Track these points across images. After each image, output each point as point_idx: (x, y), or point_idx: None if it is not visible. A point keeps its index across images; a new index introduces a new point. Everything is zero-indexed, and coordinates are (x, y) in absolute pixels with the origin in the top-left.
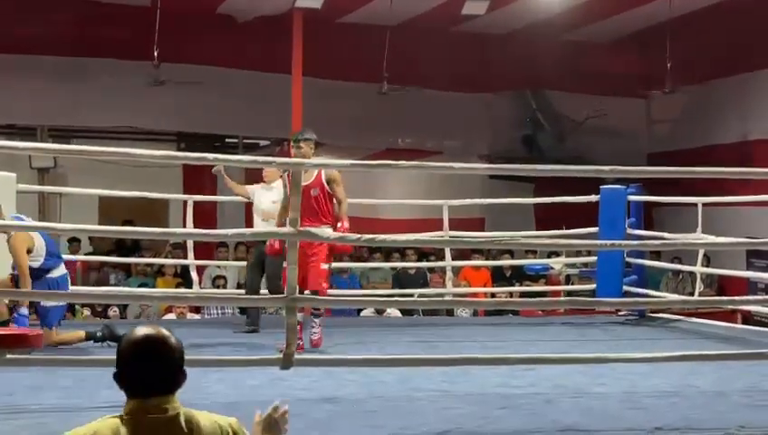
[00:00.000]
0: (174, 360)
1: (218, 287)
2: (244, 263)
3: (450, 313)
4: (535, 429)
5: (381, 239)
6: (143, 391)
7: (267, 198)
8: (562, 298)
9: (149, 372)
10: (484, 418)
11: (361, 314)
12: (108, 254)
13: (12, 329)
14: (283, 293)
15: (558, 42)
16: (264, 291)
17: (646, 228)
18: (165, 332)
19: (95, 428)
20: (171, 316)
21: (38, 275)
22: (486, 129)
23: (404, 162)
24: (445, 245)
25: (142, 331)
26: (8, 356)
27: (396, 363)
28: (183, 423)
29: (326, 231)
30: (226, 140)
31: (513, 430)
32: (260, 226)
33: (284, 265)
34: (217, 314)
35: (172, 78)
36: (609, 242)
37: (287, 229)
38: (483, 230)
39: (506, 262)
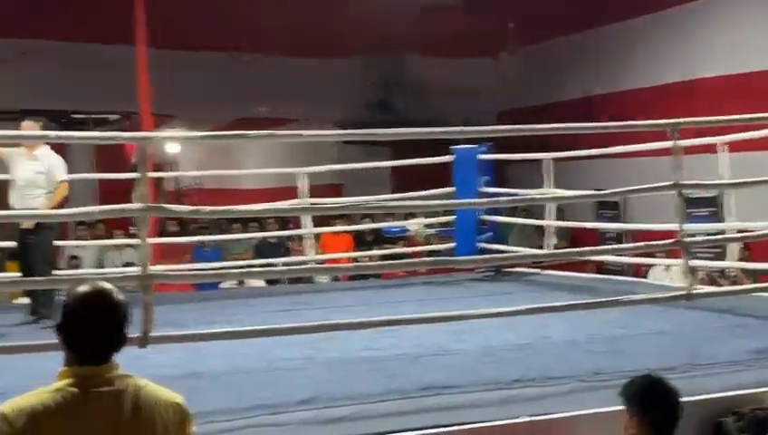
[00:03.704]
0: (121, 316)
1: (73, 268)
2: (103, 241)
3: (310, 280)
4: (398, 388)
5: (236, 211)
6: (87, 351)
7: (30, 167)
8: (418, 259)
9: (97, 326)
10: (348, 382)
11: (221, 286)
12: None
13: None
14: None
15: (408, 4)
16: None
17: (500, 186)
18: (112, 287)
19: (42, 398)
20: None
21: None
22: (340, 94)
23: (254, 132)
24: (299, 213)
25: (90, 285)
26: None
27: (257, 334)
28: (130, 398)
29: (179, 206)
30: (72, 115)
31: (378, 391)
32: (16, 196)
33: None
34: None
35: (11, 54)
36: (460, 202)
37: (137, 205)
38: (341, 196)
39: (365, 226)
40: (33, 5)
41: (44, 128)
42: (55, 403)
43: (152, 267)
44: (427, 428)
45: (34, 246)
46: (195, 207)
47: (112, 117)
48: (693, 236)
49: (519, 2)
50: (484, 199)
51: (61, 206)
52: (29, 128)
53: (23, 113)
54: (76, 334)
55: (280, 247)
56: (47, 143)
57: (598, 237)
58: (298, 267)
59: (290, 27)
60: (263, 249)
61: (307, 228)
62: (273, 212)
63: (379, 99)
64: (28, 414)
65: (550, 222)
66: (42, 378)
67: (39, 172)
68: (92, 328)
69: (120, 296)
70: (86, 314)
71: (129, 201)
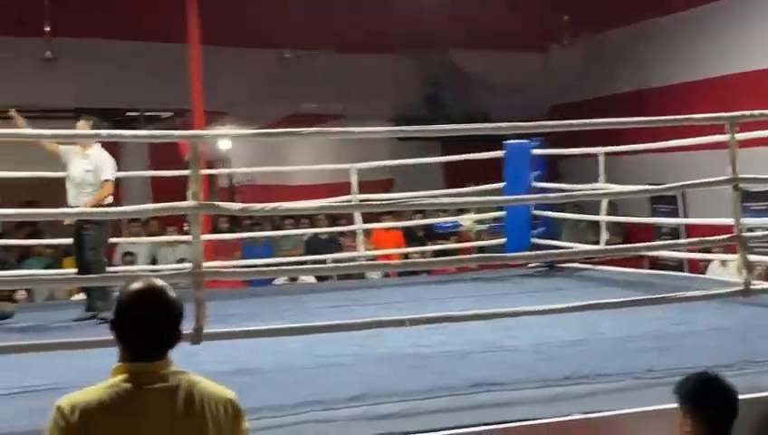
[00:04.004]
0: (175, 313)
1: (128, 264)
2: (157, 238)
3: (362, 276)
4: (447, 385)
5: (285, 208)
6: (141, 348)
7: (81, 166)
8: (469, 256)
9: (150, 323)
10: (396, 378)
11: (275, 282)
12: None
13: None
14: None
15: None
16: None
17: (551, 181)
18: (165, 284)
19: (98, 393)
20: (82, 296)
21: None
22: (389, 90)
23: (304, 129)
24: (350, 210)
25: (144, 281)
26: None
27: (307, 331)
28: (183, 394)
29: (230, 204)
30: (127, 113)
31: (427, 388)
32: (71, 194)
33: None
34: None
35: (66, 52)
36: (512, 198)
37: (190, 203)
38: (392, 192)
39: (415, 222)
40: (86, 4)
41: (95, 127)
42: (109, 399)
43: (205, 264)
44: (476, 425)
45: (86, 243)
46: (245, 205)
47: (165, 114)
48: (751, 230)
49: None
50: (536, 196)
51: (104, 204)
52: (82, 127)
53: (77, 112)
54: (130, 331)
55: (331, 243)
56: (100, 142)
57: (652, 232)
58: (348, 264)
59: (340, 23)
60: (314, 245)
61: (358, 224)
62: (322, 209)
63: (428, 94)
64: (82, 409)
65: (603, 217)
66: (97, 374)
67: (88, 171)
68: (146, 325)
69: (173, 293)
70: (139, 311)
71: (182, 198)
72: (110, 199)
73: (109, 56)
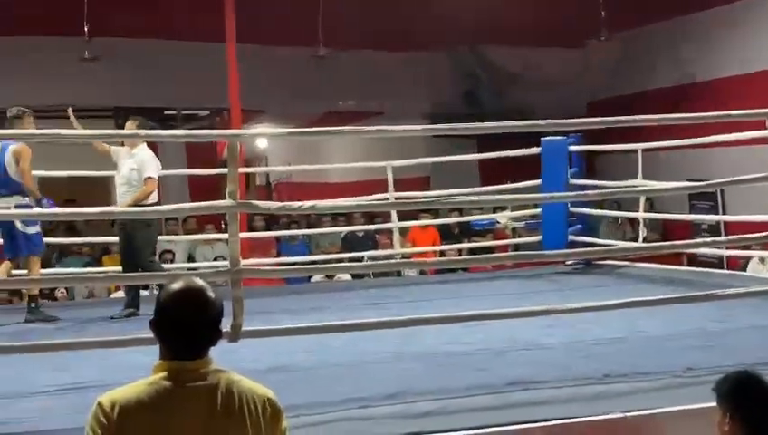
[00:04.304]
0: (215, 313)
1: (166, 262)
2: (194, 236)
3: (398, 273)
4: (485, 383)
5: (322, 206)
6: (181, 347)
7: (127, 165)
8: (506, 254)
9: (190, 323)
10: (434, 376)
11: (312, 280)
12: None
13: None
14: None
15: None
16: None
17: (588, 177)
18: (204, 284)
19: (137, 390)
20: (120, 294)
21: None
22: (426, 87)
23: (341, 128)
24: (387, 207)
25: (184, 281)
26: None
27: (345, 329)
28: (223, 393)
29: (267, 202)
30: (165, 112)
31: (465, 386)
32: (120, 192)
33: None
34: None
35: (105, 52)
36: (549, 195)
37: (228, 202)
38: (428, 189)
39: (452, 220)
40: (125, 5)
41: (141, 126)
42: (148, 397)
43: (243, 261)
44: (514, 423)
45: (136, 243)
46: (283, 204)
47: (202, 113)
48: None
49: None
50: (572, 193)
51: (147, 203)
52: (129, 127)
53: (116, 111)
54: (170, 331)
55: (367, 240)
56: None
57: (691, 229)
58: (384, 262)
59: (376, 21)
60: (350, 242)
61: (394, 222)
62: (359, 208)
63: (465, 90)
64: (121, 405)
65: (643, 214)
66: (142, 371)
67: (133, 169)
68: (185, 326)
69: (213, 293)
70: (179, 312)
71: (219, 197)
72: (154, 198)
73: (147, 56)
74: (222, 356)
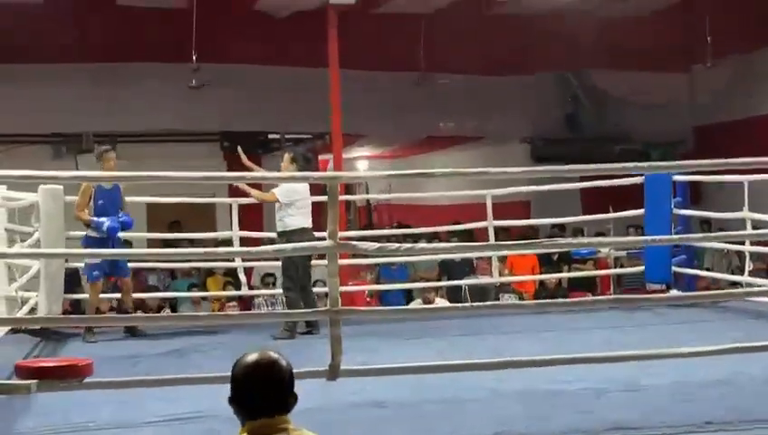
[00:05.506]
0: (285, 383)
1: (267, 286)
2: None
3: (497, 297)
4: (583, 427)
5: (420, 249)
6: (261, 413)
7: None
8: (606, 297)
9: (264, 396)
10: (532, 417)
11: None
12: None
13: (62, 360)
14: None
15: (596, 18)
16: None
17: (693, 205)
18: (275, 355)
19: None
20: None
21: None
22: (527, 111)
23: (439, 170)
24: (489, 251)
25: (255, 356)
26: (60, 385)
27: (443, 370)
28: None
29: (366, 243)
30: (269, 135)
31: (561, 430)
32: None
33: None
34: (267, 310)
35: (211, 78)
36: (651, 238)
37: (328, 242)
38: (529, 214)
39: (553, 250)
40: (230, 32)
41: (296, 159)
42: None
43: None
44: None
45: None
46: (381, 245)
47: (305, 137)
48: None
49: (713, 12)
50: (675, 236)
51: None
52: (285, 160)
53: (222, 136)
54: (246, 405)
55: (465, 266)
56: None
57: None
58: (481, 304)
59: (477, 46)
60: (448, 267)
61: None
62: (458, 250)
63: (567, 114)
64: None
65: (749, 247)
66: None
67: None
68: (260, 401)
69: (284, 363)
70: (252, 387)
71: (316, 222)
72: (298, 223)
73: (251, 81)
74: (321, 389)
